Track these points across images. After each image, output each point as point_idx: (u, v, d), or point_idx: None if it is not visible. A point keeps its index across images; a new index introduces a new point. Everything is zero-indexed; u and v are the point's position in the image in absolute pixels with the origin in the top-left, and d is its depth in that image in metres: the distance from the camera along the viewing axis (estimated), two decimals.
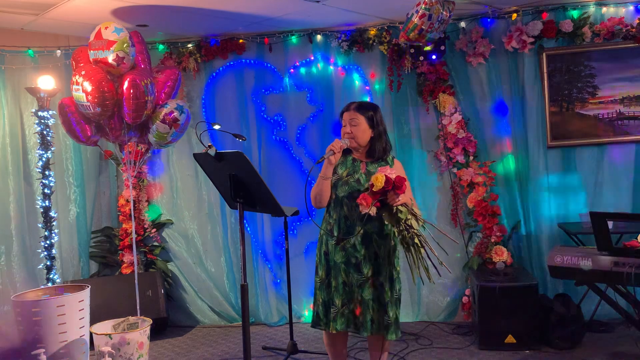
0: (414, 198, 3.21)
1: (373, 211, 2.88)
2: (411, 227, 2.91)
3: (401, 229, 2.92)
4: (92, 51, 4.09)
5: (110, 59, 4.01)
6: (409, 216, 2.91)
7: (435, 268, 2.97)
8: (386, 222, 2.98)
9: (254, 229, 5.26)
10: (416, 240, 2.91)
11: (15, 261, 4.96)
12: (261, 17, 4.56)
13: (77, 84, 4.06)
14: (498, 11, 4.73)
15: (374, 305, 3.07)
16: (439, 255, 2.96)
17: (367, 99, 5.02)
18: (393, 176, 2.85)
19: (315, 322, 3.19)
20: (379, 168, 2.98)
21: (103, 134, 4.40)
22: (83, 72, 4.06)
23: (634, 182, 4.67)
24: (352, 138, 3.09)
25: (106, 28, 4.03)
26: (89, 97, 4.03)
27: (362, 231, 3.04)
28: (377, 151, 3.15)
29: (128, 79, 4.06)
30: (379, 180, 2.83)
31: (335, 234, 3.10)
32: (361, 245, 3.06)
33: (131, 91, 4.03)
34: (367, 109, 3.14)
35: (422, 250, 2.93)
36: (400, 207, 2.90)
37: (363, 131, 3.10)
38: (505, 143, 4.88)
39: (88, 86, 4.02)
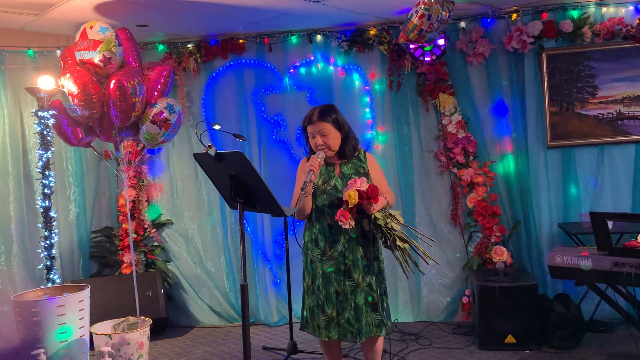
0: (390, 190, 3.26)
1: (352, 223, 2.93)
2: (392, 229, 2.99)
3: (384, 231, 3.00)
4: (78, 52, 4.00)
5: (97, 59, 3.92)
6: (388, 220, 2.98)
7: (425, 260, 3.07)
8: (366, 229, 3.03)
9: (254, 229, 5.26)
10: (398, 242, 2.99)
11: (15, 261, 4.96)
12: (261, 16, 4.56)
13: (63, 87, 4.00)
14: (498, 11, 4.73)
15: (366, 309, 3.09)
16: (426, 248, 3.08)
17: (367, 99, 5.03)
18: (364, 187, 2.91)
19: (303, 326, 3.22)
20: (349, 182, 2.99)
21: (95, 135, 4.37)
22: (68, 75, 3.98)
23: (634, 182, 4.67)
24: (326, 149, 3.09)
25: (91, 27, 3.92)
26: (75, 100, 3.98)
27: (347, 238, 3.07)
28: (348, 151, 3.17)
29: (114, 81, 3.96)
30: (352, 197, 2.88)
31: (321, 243, 3.12)
32: (348, 251, 3.08)
33: (117, 93, 3.95)
34: (329, 114, 3.13)
35: (407, 246, 3.01)
36: (377, 215, 2.98)
37: (334, 138, 3.11)
38: (505, 143, 4.89)
39: (74, 89, 3.94)
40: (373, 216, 2.97)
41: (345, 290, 3.07)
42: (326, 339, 3.11)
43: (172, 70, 4.58)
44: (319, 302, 3.12)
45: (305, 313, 3.21)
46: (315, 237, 3.13)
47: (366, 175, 3.14)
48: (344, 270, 3.08)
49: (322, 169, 3.16)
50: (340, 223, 2.93)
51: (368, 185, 2.93)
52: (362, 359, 4.16)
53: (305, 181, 2.96)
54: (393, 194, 3.27)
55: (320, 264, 3.11)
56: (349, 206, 2.90)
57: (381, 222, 2.98)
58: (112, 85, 3.97)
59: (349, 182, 2.99)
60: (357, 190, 2.89)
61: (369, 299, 3.08)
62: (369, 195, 2.90)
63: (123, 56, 4.15)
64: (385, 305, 3.16)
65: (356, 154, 3.20)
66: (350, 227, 2.94)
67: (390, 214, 3.03)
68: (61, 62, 4.28)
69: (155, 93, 4.35)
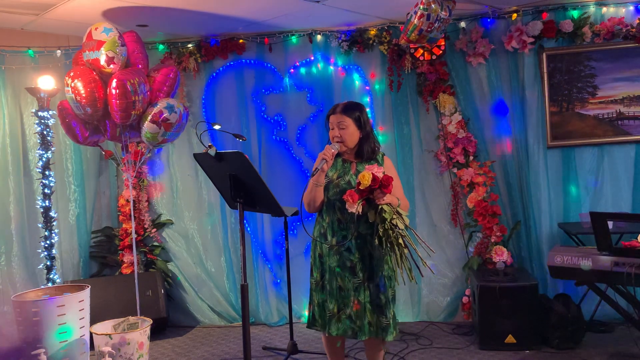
0: (405, 197, 3.20)
1: (359, 209, 2.89)
2: (396, 226, 2.90)
3: (386, 227, 2.90)
4: (85, 52, 4.10)
5: (102, 59, 4.02)
6: (394, 216, 2.91)
7: (418, 268, 2.93)
8: (370, 221, 2.96)
9: (254, 229, 5.26)
10: (400, 241, 2.90)
11: (15, 261, 4.96)
12: (261, 16, 4.56)
13: (68, 85, 4.09)
14: (498, 11, 4.73)
15: (370, 308, 3.06)
16: (424, 255, 2.94)
17: (367, 99, 5.03)
18: (380, 174, 2.87)
19: (311, 323, 3.18)
20: (367, 166, 2.99)
21: (101, 135, 4.39)
22: (72, 74, 4.09)
23: (634, 182, 4.67)
24: (341, 142, 3.08)
25: (96, 29, 4.04)
26: (78, 98, 4.05)
27: (355, 234, 3.03)
28: (365, 152, 3.15)
29: (115, 79, 4.04)
30: (365, 178, 2.85)
31: (329, 237, 3.09)
32: (355, 248, 3.05)
33: (118, 91, 4.01)
34: (354, 110, 3.12)
35: (406, 251, 2.91)
36: (384, 207, 2.90)
37: (351, 134, 3.09)
38: (505, 143, 4.89)
39: (78, 87, 4.04)
40: (380, 207, 2.89)
41: (348, 287, 3.05)
42: (331, 335, 3.10)
43: (178, 72, 4.59)
44: (326, 296, 3.10)
45: (313, 310, 3.17)
46: (324, 230, 3.12)
47: None
48: (350, 266, 3.05)
49: (338, 165, 3.14)
50: (347, 205, 2.90)
51: (384, 175, 2.89)
52: (362, 359, 4.17)
53: (317, 167, 2.95)
54: (408, 202, 3.20)
55: (328, 258, 3.10)
56: (360, 187, 2.86)
57: (387, 216, 2.89)
58: (113, 83, 4.04)
59: (366, 167, 2.97)
60: (372, 173, 2.86)
61: (377, 301, 3.04)
62: (383, 183, 2.85)
63: (128, 57, 4.20)
64: (394, 311, 3.11)
65: (374, 156, 3.18)
66: (357, 213, 2.88)
67: (397, 212, 2.95)
68: (72, 62, 4.36)
69: (161, 95, 4.38)
